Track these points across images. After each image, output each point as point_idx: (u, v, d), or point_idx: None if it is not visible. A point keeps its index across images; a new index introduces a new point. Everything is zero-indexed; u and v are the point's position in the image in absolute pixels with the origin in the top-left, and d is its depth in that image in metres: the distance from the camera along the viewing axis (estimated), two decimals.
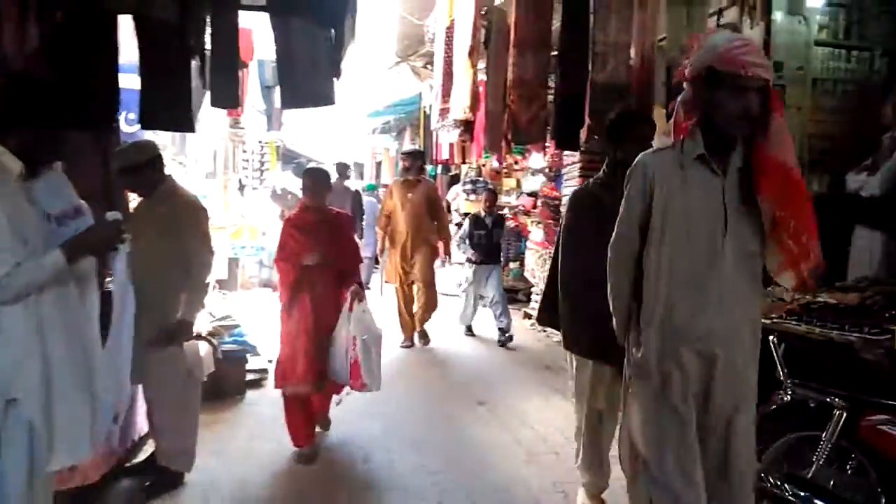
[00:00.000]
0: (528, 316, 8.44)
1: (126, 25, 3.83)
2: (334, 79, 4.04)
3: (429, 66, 8.48)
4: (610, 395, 3.24)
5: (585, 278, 2.88)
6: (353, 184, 11.38)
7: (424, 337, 7.31)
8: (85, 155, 5.13)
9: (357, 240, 6.50)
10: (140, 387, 3.71)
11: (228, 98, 4.22)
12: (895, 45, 5.53)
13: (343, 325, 4.05)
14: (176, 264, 3.53)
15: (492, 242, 7.62)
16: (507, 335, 7.34)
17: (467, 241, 7.70)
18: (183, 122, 4.01)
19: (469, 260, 7.67)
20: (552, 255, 3.34)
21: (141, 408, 3.91)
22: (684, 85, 2.43)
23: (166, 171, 3.73)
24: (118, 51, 3.64)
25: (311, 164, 4.53)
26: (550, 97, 5.72)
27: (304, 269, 4.15)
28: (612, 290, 2.52)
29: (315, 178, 4.29)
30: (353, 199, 9.57)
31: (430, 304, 7.24)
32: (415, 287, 7.27)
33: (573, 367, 3.42)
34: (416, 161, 7.32)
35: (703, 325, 2.32)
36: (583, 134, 5.63)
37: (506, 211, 10.73)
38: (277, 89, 8.87)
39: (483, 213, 7.74)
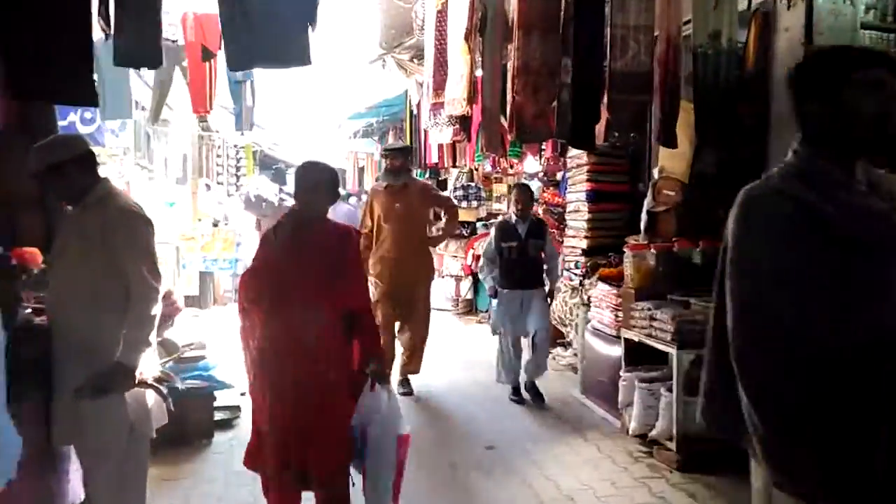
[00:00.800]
0: None
1: None
2: (308, 29, 2.99)
3: (416, 60, 7.76)
4: None
5: (813, 353, 1.56)
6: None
7: (406, 385, 5.71)
8: (18, 156, 4.36)
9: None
10: (73, 448, 2.95)
11: (143, 53, 3.02)
12: None
13: (363, 413, 2.92)
14: (111, 291, 2.78)
15: (528, 258, 5.52)
16: (536, 392, 5.51)
17: (495, 260, 5.60)
18: (74, 88, 2.88)
19: (498, 285, 5.59)
20: (714, 306, 1.85)
21: (76, 472, 3.12)
22: None
23: (100, 173, 2.96)
24: None
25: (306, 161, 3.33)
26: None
27: (276, 314, 2.89)
28: None
29: (307, 177, 3.00)
30: None
31: (420, 353, 5.69)
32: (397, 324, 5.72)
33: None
34: (406, 159, 5.72)
35: None
36: (599, 131, 4.95)
37: (499, 218, 10.03)
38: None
39: (514, 218, 5.60)
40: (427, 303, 5.70)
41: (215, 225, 8.92)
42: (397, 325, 5.71)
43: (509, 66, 5.70)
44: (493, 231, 5.72)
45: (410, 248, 5.39)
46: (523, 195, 5.67)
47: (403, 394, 5.56)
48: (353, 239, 3.15)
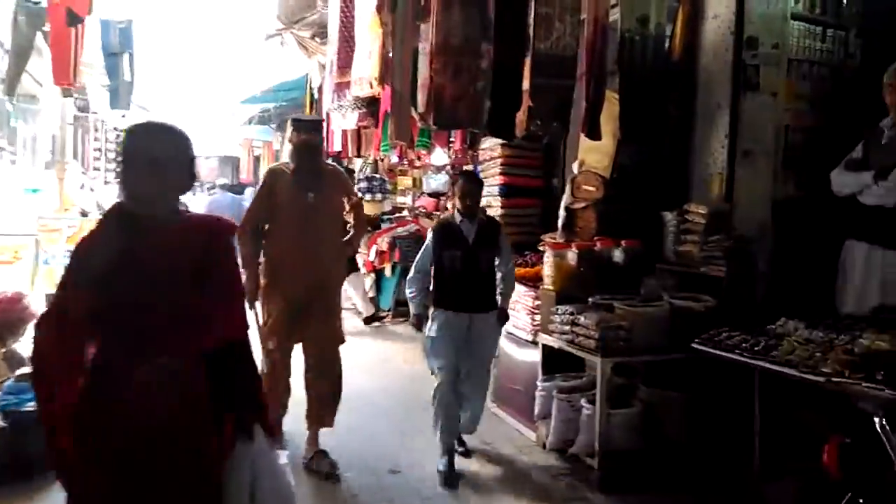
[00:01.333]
0: None
1: None
2: None
3: (318, 39, 7.11)
4: None
5: None
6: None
7: (324, 458, 4.02)
8: None
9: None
10: None
11: None
12: (871, 26, 4.81)
13: (234, 485, 1.96)
14: None
15: (477, 271, 4.11)
16: (465, 447, 4.30)
17: (429, 274, 4.18)
18: None
19: (435, 304, 4.15)
20: None
21: None
22: None
23: None
24: None
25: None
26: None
27: (104, 372, 1.93)
28: None
29: (144, 148, 1.95)
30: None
31: (335, 395, 4.17)
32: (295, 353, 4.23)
33: None
34: (322, 136, 4.43)
35: None
36: (520, 119, 4.54)
37: (405, 213, 9.55)
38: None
39: (458, 218, 4.14)
40: (337, 320, 4.30)
41: (84, 215, 7.93)
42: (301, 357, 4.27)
43: (422, 46, 5.23)
44: (429, 235, 4.22)
45: (321, 251, 4.06)
46: (471, 187, 4.16)
47: (326, 471, 3.95)
48: (224, 237, 2.12)
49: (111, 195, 9.06)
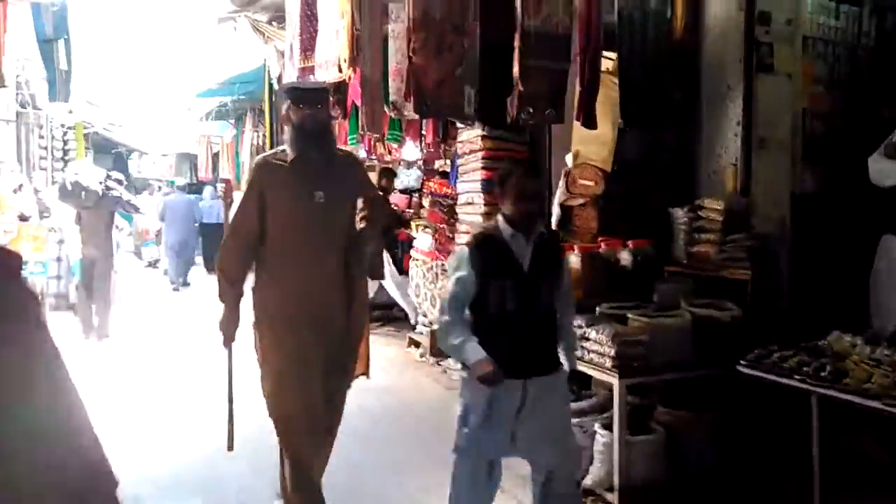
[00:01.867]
0: (414, 344, 6.70)
1: None
2: None
3: (275, 23, 6.51)
4: None
5: None
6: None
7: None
8: None
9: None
10: None
11: None
12: (885, 2, 4.43)
13: None
14: None
15: (536, 310, 2.78)
16: None
17: (465, 307, 2.77)
18: None
19: (486, 374, 2.63)
20: None
21: None
22: None
23: None
24: None
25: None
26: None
27: None
28: None
29: None
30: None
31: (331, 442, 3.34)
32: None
33: None
34: (330, 111, 3.54)
35: None
36: (510, 105, 4.03)
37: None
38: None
39: (507, 230, 2.77)
40: (348, 386, 3.34)
41: (24, 219, 7.23)
42: None
43: (392, 28, 4.72)
44: (464, 255, 2.79)
45: (334, 269, 3.07)
46: (533, 184, 2.90)
47: None
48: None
49: (54, 197, 8.35)
